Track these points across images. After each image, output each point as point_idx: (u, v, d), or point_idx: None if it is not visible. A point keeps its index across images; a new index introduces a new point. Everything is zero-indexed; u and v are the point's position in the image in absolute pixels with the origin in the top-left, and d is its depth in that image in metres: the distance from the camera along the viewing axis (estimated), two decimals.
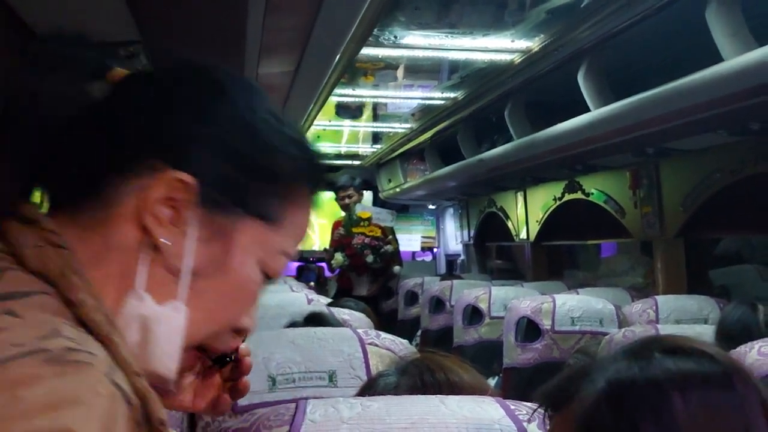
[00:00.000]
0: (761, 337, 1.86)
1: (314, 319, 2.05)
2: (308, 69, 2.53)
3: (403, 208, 8.16)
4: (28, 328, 0.56)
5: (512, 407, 0.99)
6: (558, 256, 6.11)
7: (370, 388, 1.16)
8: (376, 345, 1.79)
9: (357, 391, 1.23)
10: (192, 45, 2.18)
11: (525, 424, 0.95)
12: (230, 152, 0.73)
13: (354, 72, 4.03)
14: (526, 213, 5.81)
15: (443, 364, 1.18)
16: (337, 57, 2.74)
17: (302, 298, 3.27)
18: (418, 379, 1.14)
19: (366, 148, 7.25)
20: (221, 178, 0.72)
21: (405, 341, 1.88)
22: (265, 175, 0.75)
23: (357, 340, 1.79)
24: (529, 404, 1.00)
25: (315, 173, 0.81)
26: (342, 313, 2.57)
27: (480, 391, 1.11)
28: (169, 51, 2.28)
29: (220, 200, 0.72)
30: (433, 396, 1.02)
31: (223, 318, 0.76)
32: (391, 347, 1.80)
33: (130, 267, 0.70)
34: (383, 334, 1.86)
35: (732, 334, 2.13)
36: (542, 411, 0.88)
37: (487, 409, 0.98)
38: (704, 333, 2.55)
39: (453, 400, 0.99)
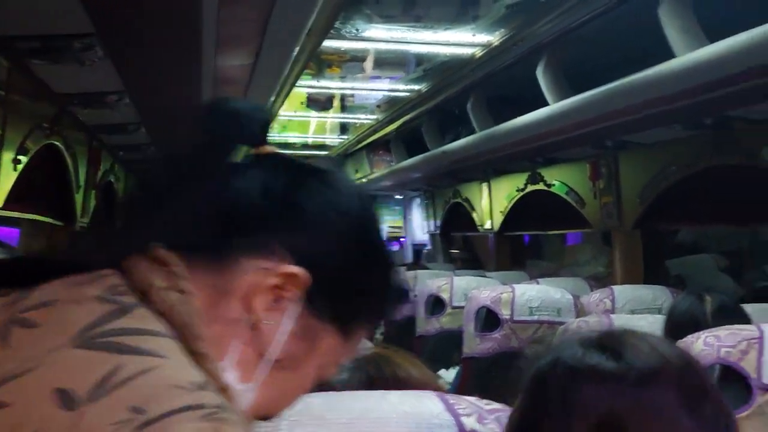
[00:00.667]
0: (708, 327, 1.91)
1: None
2: (267, 61, 2.54)
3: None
4: (180, 370, 0.58)
5: (452, 401, 1.01)
6: (521, 245, 6.18)
7: (321, 384, 1.18)
8: None
9: None
10: (147, 37, 2.18)
11: (463, 418, 0.98)
12: (341, 264, 0.76)
13: (320, 63, 4.04)
14: (491, 203, 5.86)
15: (392, 360, 1.20)
16: (297, 49, 2.75)
17: None
18: (365, 374, 1.16)
19: (333, 139, 7.25)
20: (328, 285, 0.75)
21: None
22: (362, 295, 0.79)
23: None
24: (470, 399, 1.02)
25: (395, 302, 0.85)
26: None
27: (427, 386, 1.14)
28: (124, 44, 2.28)
29: (320, 304, 0.75)
30: (377, 391, 1.04)
31: (278, 407, 0.80)
32: None
33: (226, 337, 0.71)
34: None
35: (680, 325, 2.17)
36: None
37: (427, 403, 1.00)
38: (656, 322, 2.61)
39: (395, 396, 1.01)
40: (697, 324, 2.06)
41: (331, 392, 1.05)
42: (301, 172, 0.78)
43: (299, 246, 0.73)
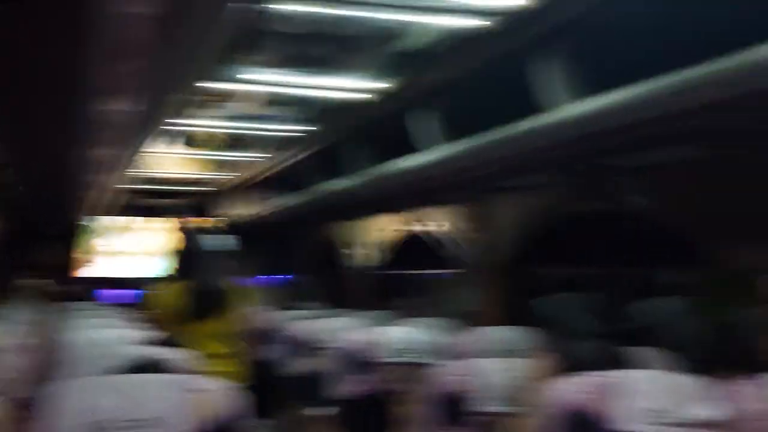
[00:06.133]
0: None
1: (140, 366, 2.05)
2: (145, 107, 2.56)
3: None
4: None
5: None
6: (392, 283, 6.28)
7: None
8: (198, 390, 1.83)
9: None
10: (22, 85, 2.17)
11: None
12: None
13: (203, 103, 4.04)
14: (366, 242, 5.98)
15: None
16: (175, 96, 2.78)
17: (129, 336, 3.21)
18: None
19: (217, 176, 7.19)
20: None
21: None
22: None
23: (178, 386, 1.82)
24: None
25: None
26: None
27: None
28: None
29: None
30: None
31: None
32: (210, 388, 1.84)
33: None
34: (203, 378, 1.90)
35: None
36: None
37: None
38: (517, 367, 2.74)
39: None
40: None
41: None
42: None
43: None
